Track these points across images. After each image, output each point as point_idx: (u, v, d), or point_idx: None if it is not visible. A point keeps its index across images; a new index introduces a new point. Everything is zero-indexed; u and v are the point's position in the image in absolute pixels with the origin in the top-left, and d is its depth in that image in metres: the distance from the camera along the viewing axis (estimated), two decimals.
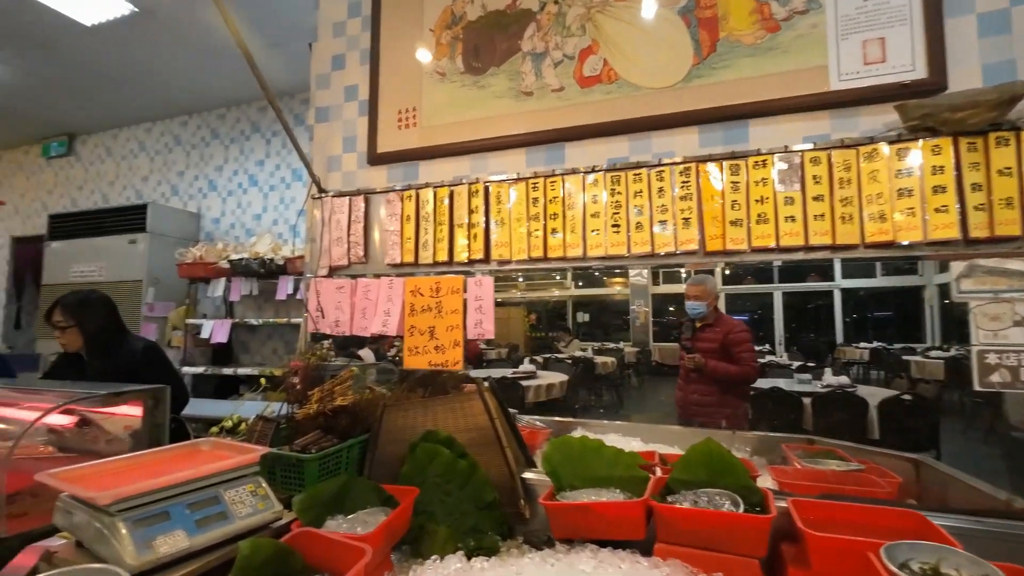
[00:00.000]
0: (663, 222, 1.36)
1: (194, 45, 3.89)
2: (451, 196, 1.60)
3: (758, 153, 1.30)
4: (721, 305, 5.85)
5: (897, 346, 8.35)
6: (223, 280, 4.17)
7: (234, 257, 4.05)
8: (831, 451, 1.49)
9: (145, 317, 4.38)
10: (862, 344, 8.97)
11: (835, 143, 1.25)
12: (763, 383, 3.70)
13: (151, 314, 4.41)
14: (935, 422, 3.16)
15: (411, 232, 1.65)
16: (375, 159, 1.79)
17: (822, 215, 1.23)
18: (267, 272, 3.96)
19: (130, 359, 2.04)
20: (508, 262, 1.53)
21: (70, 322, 1.96)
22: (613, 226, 1.41)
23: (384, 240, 1.68)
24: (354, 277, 1.70)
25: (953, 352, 6.88)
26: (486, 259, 1.55)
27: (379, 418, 1.38)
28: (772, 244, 1.26)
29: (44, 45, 3.99)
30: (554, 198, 1.48)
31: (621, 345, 8.81)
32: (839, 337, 9.85)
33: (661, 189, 1.37)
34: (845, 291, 10.19)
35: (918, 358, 6.84)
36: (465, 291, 1.53)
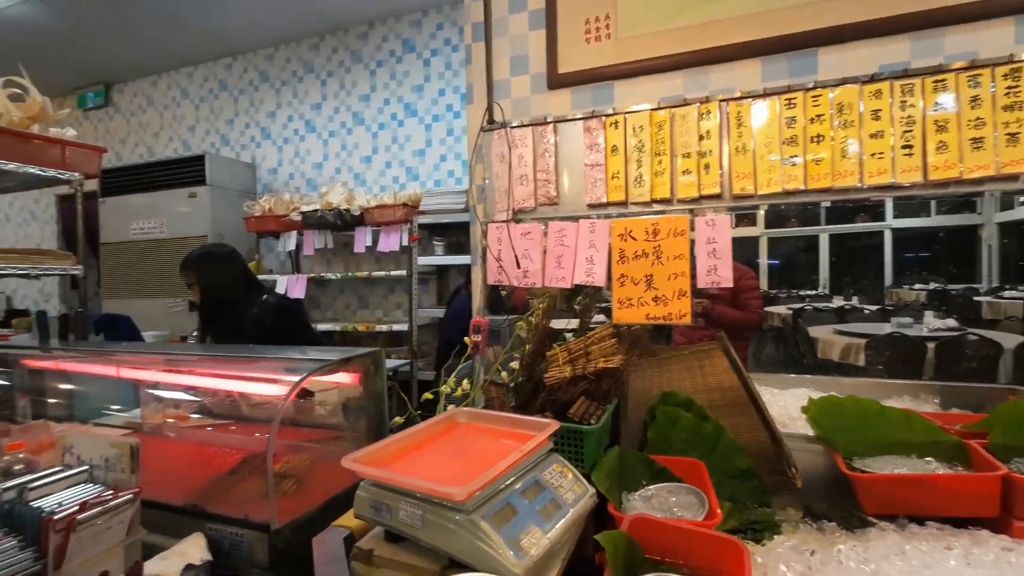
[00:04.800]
0: (977, 139, 1.11)
1: None
2: (671, 120, 1.35)
3: None
4: (763, 248, 5.58)
5: (957, 287, 8.04)
6: (294, 233, 3.97)
7: (305, 209, 3.83)
8: None
9: None
10: (917, 286, 8.67)
11: None
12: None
13: None
14: None
15: (619, 166, 1.41)
16: (555, 81, 1.52)
17: None
18: (343, 224, 3.75)
19: (259, 317, 1.88)
20: (750, 196, 1.29)
21: (191, 279, 1.79)
22: (904, 147, 1.16)
23: (583, 177, 1.45)
24: (542, 221, 1.48)
25: None
26: (720, 194, 1.32)
27: (626, 380, 1.20)
28: None
29: None
30: (817, 116, 1.23)
31: None
32: (888, 279, 9.54)
33: (976, 98, 1.11)
34: (895, 231, 9.78)
35: (988, 298, 6.56)
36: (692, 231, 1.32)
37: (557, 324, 1.34)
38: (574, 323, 1.41)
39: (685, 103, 1.34)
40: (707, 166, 1.32)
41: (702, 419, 1.19)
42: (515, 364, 1.27)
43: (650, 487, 0.99)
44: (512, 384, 1.21)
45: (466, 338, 1.42)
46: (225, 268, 1.88)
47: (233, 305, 1.84)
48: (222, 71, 4.83)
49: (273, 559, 0.86)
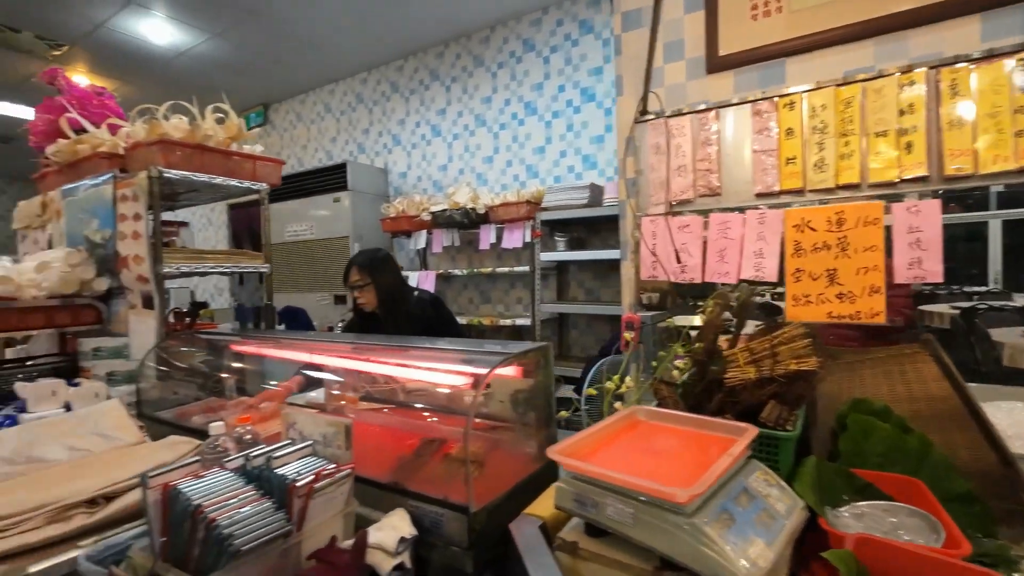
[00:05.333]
0: None
1: None
2: (863, 95, 1.21)
3: None
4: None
5: None
6: (424, 232, 4.22)
7: (435, 209, 4.05)
8: None
9: None
10: None
11: None
12: None
13: None
14: None
15: (795, 150, 1.29)
16: (716, 65, 1.44)
17: None
18: (469, 222, 3.91)
19: (421, 312, 2.01)
20: (967, 177, 1.11)
21: (366, 280, 1.96)
22: None
23: (750, 164, 1.35)
24: (702, 213, 1.41)
25: None
26: (927, 176, 1.15)
27: (816, 385, 1.11)
28: None
29: (253, 12, 4.16)
30: None
31: None
32: None
33: None
34: None
35: None
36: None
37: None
38: (692, 319, 1.32)
39: (880, 75, 1.19)
40: (910, 144, 1.16)
41: (903, 431, 1.06)
42: (679, 363, 1.22)
43: (860, 504, 0.89)
44: (680, 383, 1.16)
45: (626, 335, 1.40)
46: (394, 269, 2.05)
47: (403, 302, 1.99)
48: (358, 85, 5.27)
49: (471, 539, 0.91)
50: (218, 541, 0.77)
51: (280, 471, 0.92)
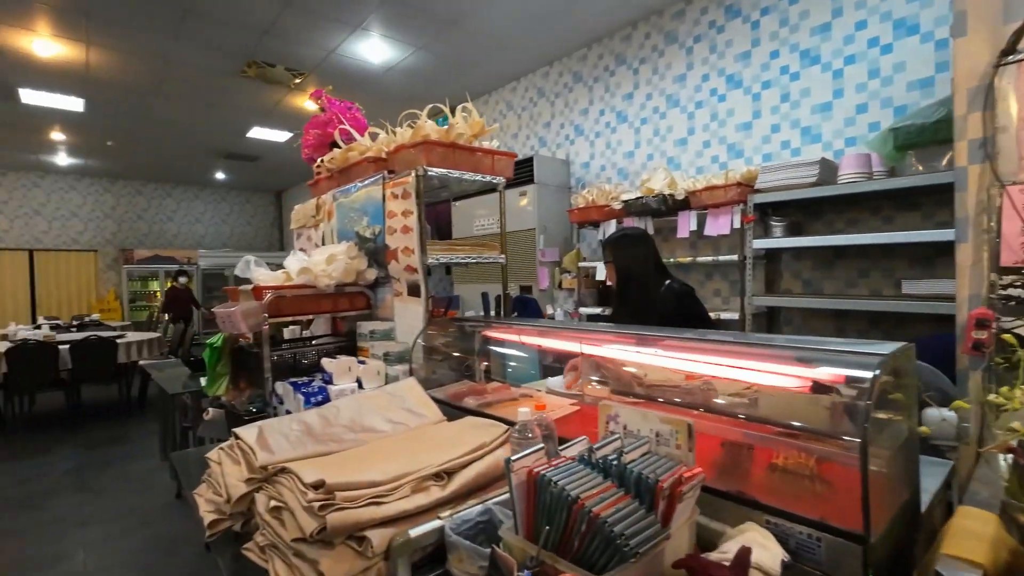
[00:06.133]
0: None
1: None
2: None
3: None
4: None
5: None
6: (612, 222, 4.11)
7: (627, 197, 3.91)
8: None
9: (539, 263, 4.74)
10: None
11: None
12: None
13: (543, 259, 4.73)
14: None
15: None
16: None
17: None
18: (666, 209, 3.69)
19: (661, 303, 1.90)
20: None
21: (608, 258, 1.92)
22: None
23: None
24: None
25: None
26: None
27: None
28: None
29: (451, 22, 4.44)
30: None
31: None
32: None
33: None
34: None
35: None
36: None
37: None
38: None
39: None
40: None
41: None
42: None
43: None
44: None
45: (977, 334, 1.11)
46: (639, 249, 1.98)
47: (643, 288, 1.91)
48: (539, 80, 5.34)
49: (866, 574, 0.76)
50: (608, 539, 0.74)
51: (630, 468, 0.87)
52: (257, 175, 10.22)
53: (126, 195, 10.34)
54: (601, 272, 4.21)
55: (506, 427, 1.17)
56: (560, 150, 5.17)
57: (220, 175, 10.12)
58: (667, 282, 1.94)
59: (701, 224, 3.55)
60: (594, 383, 1.60)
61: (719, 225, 3.43)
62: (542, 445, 0.94)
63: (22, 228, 9.28)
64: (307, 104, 5.94)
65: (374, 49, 4.74)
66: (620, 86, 4.58)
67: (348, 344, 2.19)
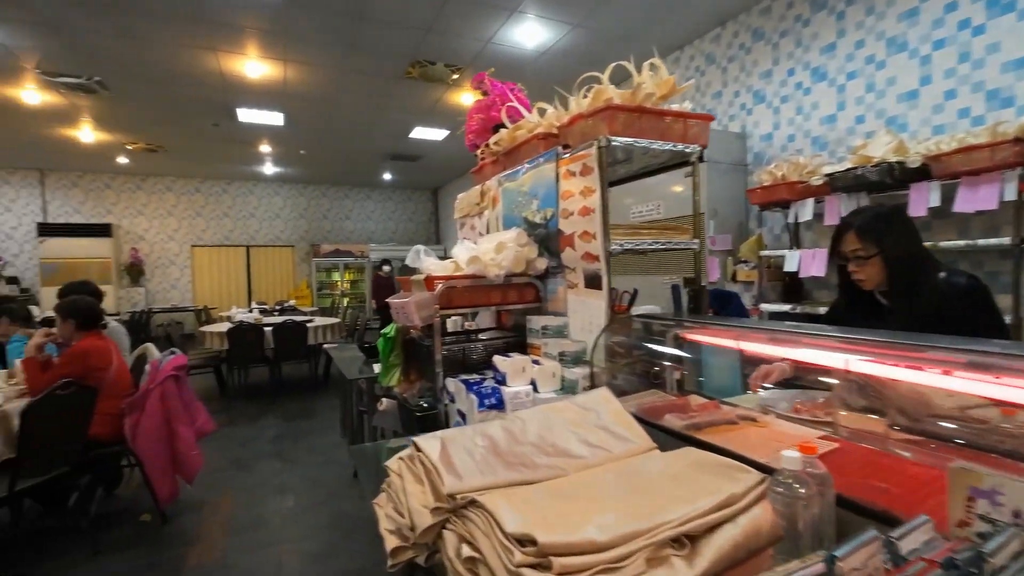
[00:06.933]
0: None
1: None
2: None
3: None
4: None
5: None
6: (810, 201, 3.41)
7: (831, 170, 3.19)
8: None
9: (708, 251, 4.17)
10: None
11: None
12: None
13: (713, 247, 4.16)
14: None
15: None
16: None
17: None
18: (893, 181, 2.91)
19: (939, 300, 1.37)
20: None
21: (871, 250, 1.43)
22: None
23: None
24: None
25: None
26: None
27: None
28: None
29: (604, 3, 4.08)
30: None
31: None
32: None
33: None
34: None
35: None
36: None
37: None
38: None
39: None
40: None
41: None
42: None
43: None
44: None
45: None
46: (910, 231, 1.48)
47: (912, 283, 1.41)
48: (708, 45, 4.71)
49: None
50: None
51: None
52: (417, 174, 10.96)
53: (314, 197, 11.90)
54: (791, 262, 3.52)
55: (760, 475, 0.84)
56: (734, 123, 4.50)
57: (387, 176, 11.07)
58: (941, 274, 1.40)
59: (945, 198, 2.73)
60: (846, 409, 1.17)
61: (980, 198, 2.59)
62: (876, 534, 0.59)
63: (242, 228, 11.26)
64: (463, 99, 6.06)
65: (529, 33, 4.59)
66: (817, 36, 3.78)
67: (515, 340, 2.02)
